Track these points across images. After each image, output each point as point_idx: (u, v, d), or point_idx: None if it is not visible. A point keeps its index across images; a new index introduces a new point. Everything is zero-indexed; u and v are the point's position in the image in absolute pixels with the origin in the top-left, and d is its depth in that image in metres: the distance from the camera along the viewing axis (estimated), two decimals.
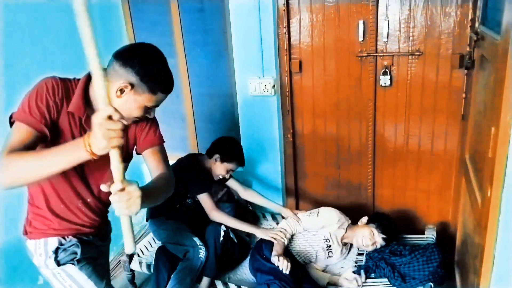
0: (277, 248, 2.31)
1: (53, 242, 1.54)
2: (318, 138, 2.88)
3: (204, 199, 2.52)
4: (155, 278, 2.45)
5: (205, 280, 2.40)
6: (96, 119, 1.09)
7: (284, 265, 2.17)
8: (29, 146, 1.26)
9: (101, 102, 1.10)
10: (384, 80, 2.56)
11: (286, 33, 2.65)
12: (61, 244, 1.55)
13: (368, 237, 2.35)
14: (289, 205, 3.11)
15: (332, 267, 2.49)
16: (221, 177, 2.62)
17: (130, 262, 2.59)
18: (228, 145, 2.59)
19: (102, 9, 2.85)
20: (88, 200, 1.56)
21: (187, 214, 2.61)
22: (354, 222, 2.51)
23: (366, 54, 2.56)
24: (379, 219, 2.44)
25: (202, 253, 2.36)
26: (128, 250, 1.19)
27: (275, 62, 2.69)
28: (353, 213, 2.59)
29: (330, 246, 2.43)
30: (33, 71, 2.37)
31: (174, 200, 2.55)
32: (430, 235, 2.59)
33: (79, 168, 1.47)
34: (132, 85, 1.35)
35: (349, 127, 2.77)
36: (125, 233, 1.18)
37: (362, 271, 2.30)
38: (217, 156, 2.55)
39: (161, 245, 2.57)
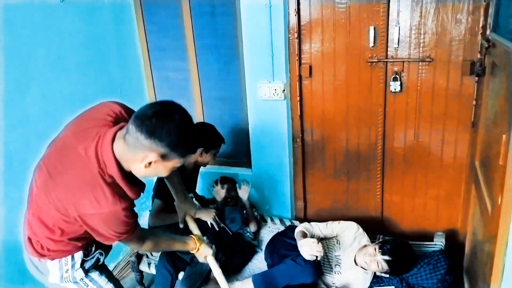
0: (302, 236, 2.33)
1: (78, 255, 1.57)
2: (327, 143, 2.88)
3: (157, 204, 2.52)
4: (160, 280, 2.45)
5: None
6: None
7: (317, 248, 2.15)
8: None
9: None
10: (394, 86, 2.56)
11: (297, 38, 2.66)
12: (86, 256, 1.59)
13: (369, 254, 2.24)
14: (297, 209, 3.11)
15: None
16: (209, 163, 2.69)
17: (139, 263, 2.61)
18: (207, 135, 2.58)
19: (115, 11, 2.88)
20: None
21: None
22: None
23: (376, 60, 2.56)
24: (390, 244, 2.25)
25: None
26: None
27: (285, 67, 2.70)
28: (361, 219, 2.59)
29: (339, 256, 2.39)
30: (47, 73, 2.41)
31: None
32: (439, 242, 2.58)
33: None
34: (163, 156, 1.31)
35: (358, 133, 2.77)
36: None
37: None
38: (200, 149, 2.55)
39: None
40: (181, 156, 1.34)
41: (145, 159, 1.30)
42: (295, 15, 2.61)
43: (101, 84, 2.79)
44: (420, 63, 2.48)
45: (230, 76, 3.00)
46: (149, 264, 2.60)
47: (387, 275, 2.29)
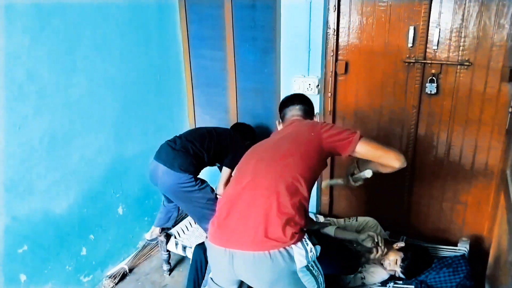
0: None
1: (304, 238, 1.67)
2: None
3: (226, 172, 2.72)
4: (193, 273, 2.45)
5: None
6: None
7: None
8: None
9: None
10: (430, 88, 2.54)
11: (335, 34, 2.67)
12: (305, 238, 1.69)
13: (392, 263, 2.31)
14: (323, 206, 3.14)
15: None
16: None
17: (167, 242, 2.73)
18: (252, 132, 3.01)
19: None
20: None
21: None
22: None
23: (414, 61, 2.55)
24: (411, 251, 2.33)
25: None
26: None
27: (321, 62, 2.72)
28: (387, 218, 2.60)
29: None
30: (93, 56, 2.52)
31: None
32: (463, 247, 2.56)
33: None
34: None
35: (390, 133, 2.77)
36: None
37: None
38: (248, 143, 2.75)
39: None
40: None
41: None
42: (335, 11, 2.62)
43: (141, 69, 2.90)
44: (459, 66, 2.45)
45: (265, 68, 3.05)
46: (176, 244, 2.71)
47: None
